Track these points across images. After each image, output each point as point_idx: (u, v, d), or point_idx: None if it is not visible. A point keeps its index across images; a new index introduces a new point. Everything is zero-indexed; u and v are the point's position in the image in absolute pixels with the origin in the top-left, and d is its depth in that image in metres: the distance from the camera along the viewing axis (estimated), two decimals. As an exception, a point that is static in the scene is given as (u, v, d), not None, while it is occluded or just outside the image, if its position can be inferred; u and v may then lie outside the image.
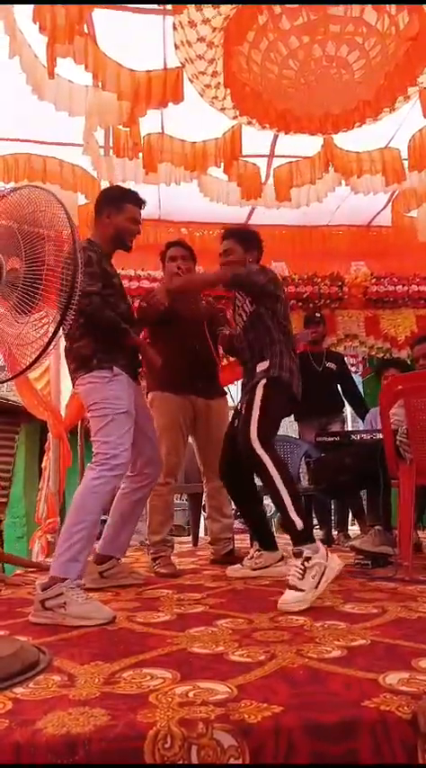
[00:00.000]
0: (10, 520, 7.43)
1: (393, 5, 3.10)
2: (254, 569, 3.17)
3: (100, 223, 2.94)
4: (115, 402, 2.70)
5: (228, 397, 4.38)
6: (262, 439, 2.73)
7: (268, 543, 3.29)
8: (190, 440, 3.87)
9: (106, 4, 3.28)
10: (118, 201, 2.93)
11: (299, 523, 2.52)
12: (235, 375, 5.05)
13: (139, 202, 2.97)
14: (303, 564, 2.39)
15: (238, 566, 3.24)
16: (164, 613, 2.32)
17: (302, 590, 2.32)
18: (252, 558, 3.24)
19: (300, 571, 2.37)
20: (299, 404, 3.14)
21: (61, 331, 1.78)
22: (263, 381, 2.92)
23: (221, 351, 3.77)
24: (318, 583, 2.35)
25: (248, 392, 2.97)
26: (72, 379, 2.86)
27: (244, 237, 3.26)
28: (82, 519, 2.47)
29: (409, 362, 6.14)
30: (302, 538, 2.50)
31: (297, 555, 2.44)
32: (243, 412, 2.93)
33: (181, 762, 1.13)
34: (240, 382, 3.43)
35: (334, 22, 3.08)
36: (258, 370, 3.00)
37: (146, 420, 3.06)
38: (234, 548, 3.87)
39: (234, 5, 3.14)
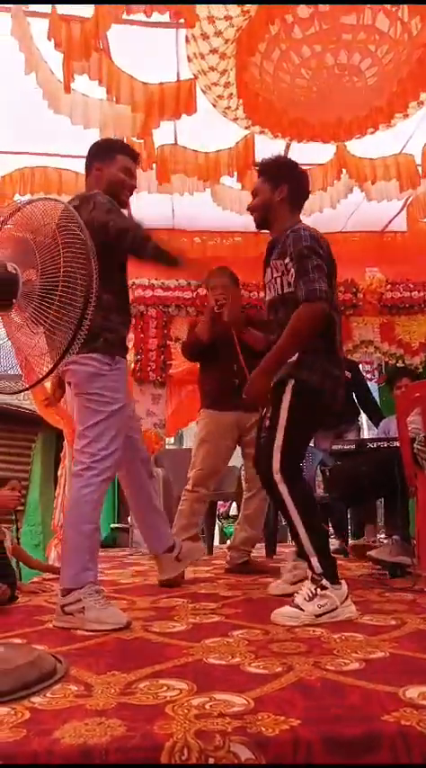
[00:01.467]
0: (27, 527, 7.44)
1: (405, 11, 3.09)
2: (293, 583, 2.86)
3: (90, 179, 2.68)
4: (115, 395, 2.49)
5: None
6: (286, 471, 2.39)
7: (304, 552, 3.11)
8: None
9: (119, 21, 3.29)
10: (107, 151, 2.68)
11: (318, 568, 2.33)
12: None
13: (133, 154, 2.73)
14: (316, 590, 2.29)
15: (279, 582, 3.02)
16: (180, 623, 2.31)
17: (302, 610, 2.25)
18: (289, 570, 3.00)
19: (310, 594, 2.28)
20: (335, 414, 2.74)
21: (77, 340, 1.78)
22: (291, 384, 2.47)
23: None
24: (322, 614, 2.24)
25: (273, 393, 2.50)
26: (60, 351, 2.51)
27: (272, 172, 2.71)
28: (80, 531, 2.41)
29: (421, 370, 6.11)
30: (325, 575, 2.33)
31: (315, 581, 2.32)
32: (268, 422, 2.53)
33: (198, 774, 1.12)
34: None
35: (346, 30, 3.09)
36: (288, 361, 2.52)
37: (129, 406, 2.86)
38: (249, 559, 3.88)
39: (245, 17, 3.15)
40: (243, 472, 4.06)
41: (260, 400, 2.58)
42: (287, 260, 2.57)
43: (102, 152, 2.69)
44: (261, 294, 3.16)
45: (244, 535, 3.86)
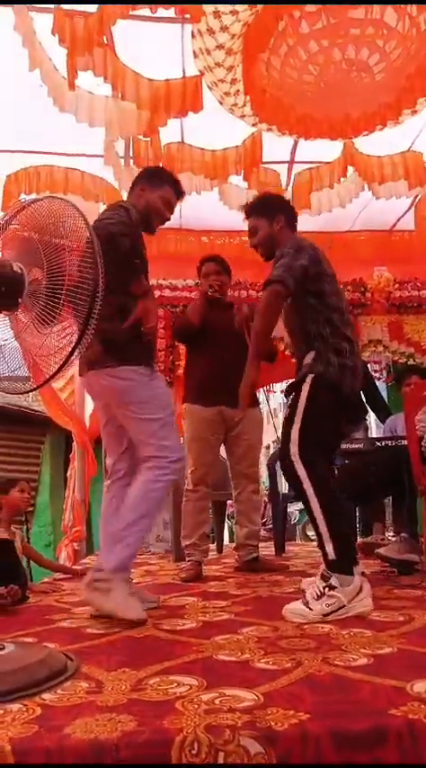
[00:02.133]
0: (37, 528, 7.49)
1: (413, 6, 3.08)
2: None
3: (131, 198, 2.78)
4: (164, 400, 2.60)
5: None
6: (304, 454, 2.42)
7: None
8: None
9: (125, 5, 3.29)
10: (155, 179, 2.77)
11: (332, 554, 2.32)
12: (269, 378, 5.06)
13: (178, 190, 2.82)
14: (324, 588, 2.28)
15: (311, 579, 2.91)
16: (190, 621, 2.32)
17: (310, 609, 2.24)
18: None
19: (317, 592, 2.27)
20: (356, 409, 2.83)
21: (84, 341, 1.79)
22: (310, 378, 2.57)
23: None
24: (329, 613, 2.22)
25: (293, 388, 2.63)
26: (89, 365, 2.53)
27: (264, 207, 2.88)
28: (138, 521, 2.48)
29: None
30: (334, 566, 2.32)
31: (324, 578, 2.31)
32: (287, 413, 2.62)
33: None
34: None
35: (354, 25, 3.08)
36: (305, 362, 2.66)
37: None
38: (258, 555, 3.86)
39: (252, 12, 3.15)
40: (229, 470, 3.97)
41: (248, 390, 2.71)
42: None
43: (152, 177, 2.80)
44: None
45: (246, 531, 3.84)
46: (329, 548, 2.34)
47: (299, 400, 2.54)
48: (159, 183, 2.76)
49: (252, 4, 3.13)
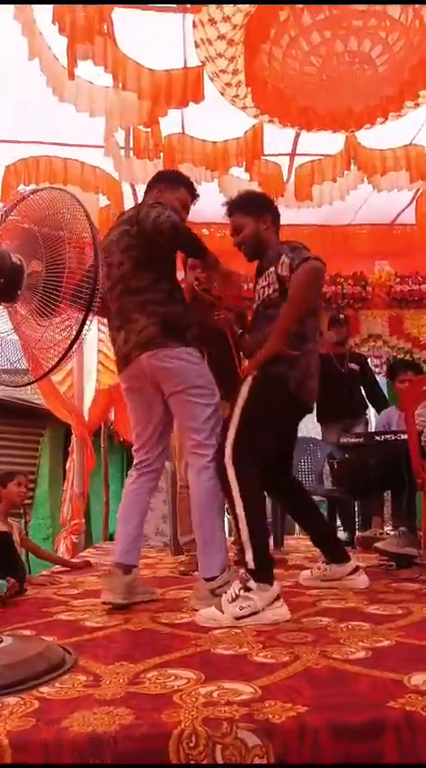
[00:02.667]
0: (36, 521, 7.49)
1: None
2: (324, 581, 2.83)
3: (148, 198, 2.82)
4: (214, 388, 2.63)
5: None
6: (238, 458, 2.35)
7: (334, 556, 2.86)
8: None
9: (126, 4, 3.28)
10: (173, 181, 2.86)
11: (251, 564, 2.23)
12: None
13: (193, 192, 2.89)
14: (240, 591, 2.19)
15: (308, 572, 2.98)
16: (188, 614, 2.32)
17: (222, 612, 2.15)
18: (318, 567, 2.92)
19: (233, 595, 2.18)
20: (308, 406, 2.72)
21: (83, 333, 1.78)
22: (250, 377, 2.51)
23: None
24: (241, 617, 2.13)
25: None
26: (144, 347, 2.55)
27: (249, 205, 2.83)
28: (216, 518, 2.56)
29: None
30: (252, 574, 2.23)
31: (242, 580, 2.22)
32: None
33: (205, 761, 1.12)
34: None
35: (357, 16, 3.05)
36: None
37: None
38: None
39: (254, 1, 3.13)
40: None
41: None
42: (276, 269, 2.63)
43: (169, 180, 2.88)
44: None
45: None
46: (248, 556, 2.26)
47: (237, 401, 2.48)
48: (176, 186, 2.82)
49: (253, 4, 3.12)
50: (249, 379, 2.50)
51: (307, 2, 3.03)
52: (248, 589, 2.18)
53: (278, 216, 2.87)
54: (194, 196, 2.89)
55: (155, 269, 2.65)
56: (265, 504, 2.51)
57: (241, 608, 2.14)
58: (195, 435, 2.57)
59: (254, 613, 2.14)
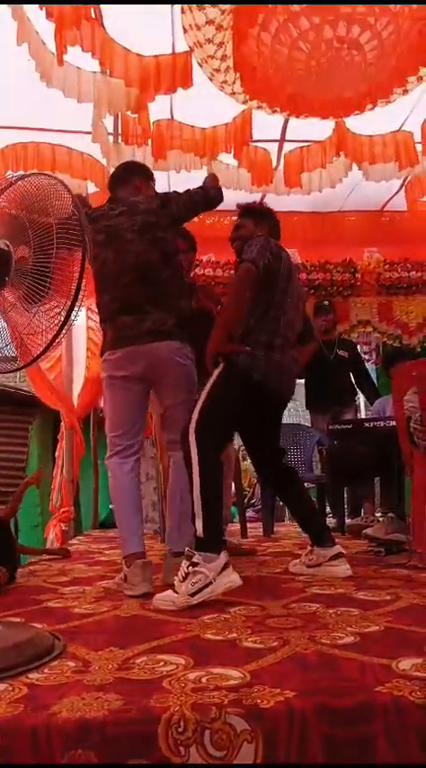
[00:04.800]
0: (25, 508, 7.46)
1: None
2: (309, 566, 2.89)
3: (128, 187, 2.98)
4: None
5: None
6: (200, 433, 2.49)
7: (317, 538, 2.92)
8: None
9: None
10: (148, 177, 3.06)
11: (199, 530, 2.33)
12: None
13: (154, 183, 3.11)
14: (188, 568, 2.24)
15: (297, 561, 3.01)
16: (178, 600, 2.32)
17: (176, 593, 2.21)
18: (306, 554, 2.96)
19: (183, 574, 2.24)
20: (281, 396, 2.91)
21: (71, 319, 1.77)
22: (221, 365, 2.69)
23: None
24: (196, 592, 2.19)
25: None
26: (159, 336, 2.69)
27: (254, 213, 3.22)
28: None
29: (419, 350, 6.12)
30: (200, 544, 2.31)
31: (187, 557, 2.28)
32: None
33: (194, 746, 1.13)
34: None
35: (345, 2, 3.03)
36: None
37: None
38: (225, 539, 3.76)
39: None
40: None
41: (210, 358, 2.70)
42: None
43: (144, 174, 3.08)
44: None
45: None
46: (198, 524, 2.35)
47: (207, 384, 2.64)
48: (149, 181, 3.05)
49: (251, 4, 3.10)
50: (219, 367, 2.67)
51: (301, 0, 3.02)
52: (195, 564, 2.25)
53: (276, 231, 3.16)
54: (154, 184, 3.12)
55: (174, 264, 2.82)
56: (221, 479, 2.56)
57: (192, 584, 2.20)
58: (179, 429, 2.65)
59: (207, 585, 2.21)
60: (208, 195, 2.95)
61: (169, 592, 2.24)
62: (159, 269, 2.73)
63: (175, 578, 2.27)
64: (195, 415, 2.54)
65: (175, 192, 2.92)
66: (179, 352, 2.72)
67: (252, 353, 2.70)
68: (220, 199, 3.00)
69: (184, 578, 2.23)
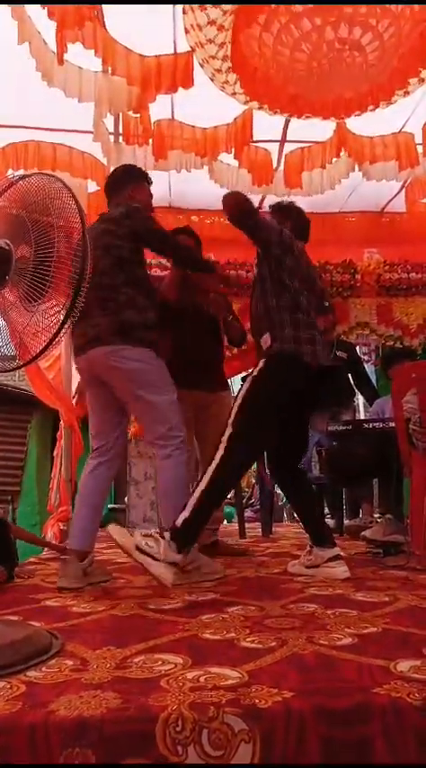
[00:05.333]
0: (23, 508, 7.46)
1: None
2: (308, 567, 2.89)
3: (122, 198, 2.99)
4: (170, 381, 2.77)
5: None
6: (237, 437, 2.54)
7: (317, 538, 2.91)
8: None
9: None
10: (139, 179, 3.05)
11: (179, 522, 2.42)
12: (243, 365, 5.06)
13: (150, 182, 3.14)
14: (158, 534, 2.39)
15: (296, 562, 3.02)
16: (176, 600, 2.33)
17: (132, 536, 2.36)
18: (305, 555, 2.97)
19: (152, 533, 2.40)
20: (326, 370, 2.89)
21: (70, 319, 1.77)
22: (261, 363, 2.75)
23: (225, 341, 3.77)
24: (141, 552, 2.31)
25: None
26: (96, 342, 2.71)
27: (282, 209, 3.23)
28: (179, 506, 2.57)
29: (420, 352, 6.12)
30: (173, 533, 2.40)
31: (161, 530, 2.47)
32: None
33: (192, 745, 1.13)
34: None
35: (347, 3, 3.04)
36: (263, 347, 2.84)
37: None
38: (218, 540, 3.78)
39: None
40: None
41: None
42: None
43: (135, 178, 3.07)
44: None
45: None
46: (182, 516, 2.43)
47: (243, 388, 2.70)
48: (144, 182, 3.08)
49: (250, 4, 3.10)
50: (259, 366, 2.73)
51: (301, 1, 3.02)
52: (162, 537, 2.37)
53: (300, 226, 3.15)
54: (150, 183, 3.14)
55: (130, 270, 2.80)
56: (227, 492, 2.66)
57: (147, 544, 2.33)
58: (159, 427, 2.71)
59: (151, 557, 2.31)
60: (178, 250, 3.02)
61: (126, 530, 2.40)
62: (111, 275, 2.75)
63: (146, 531, 2.44)
64: (230, 422, 2.59)
65: (150, 216, 2.97)
66: (112, 356, 2.70)
67: (296, 340, 2.74)
68: (186, 264, 3.08)
69: (147, 535, 2.38)
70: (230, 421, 2.60)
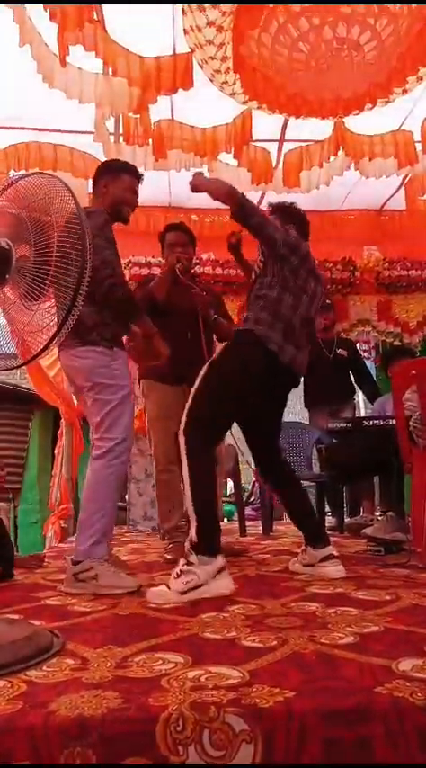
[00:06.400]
0: (24, 506, 7.48)
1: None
2: (304, 566, 2.87)
3: (97, 194, 2.91)
4: (119, 383, 2.68)
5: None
6: (190, 431, 2.48)
7: (311, 538, 2.87)
8: None
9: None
10: (116, 171, 2.91)
11: (194, 536, 2.36)
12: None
13: (137, 174, 2.96)
14: (184, 566, 2.31)
15: (295, 560, 2.99)
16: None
17: (169, 588, 2.27)
18: (301, 553, 2.96)
19: (178, 572, 2.30)
20: (293, 373, 2.82)
21: (71, 317, 1.77)
22: (225, 343, 2.71)
23: (215, 338, 3.76)
24: (186, 591, 2.24)
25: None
26: (59, 348, 2.63)
27: (285, 211, 3.13)
28: (100, 507, 2.59)
29: (419, 349, 6.12)
30: (195, 548, 2.35)
31: (186, 555, 2.35)
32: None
33: (193, 745, 1.13)
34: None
35: (345, 3, 3.04)
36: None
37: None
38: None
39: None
40: None
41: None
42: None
43: (110, 171, 2.93)
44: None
45: None
46: (192, 529, 2.38)
47: (204, 369, 2.63)
48: (119, 174, 2.90)
49: (250, 4, 3.10)
50: (222, 345, 2.69)
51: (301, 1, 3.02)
52: (190, 563, 2.30)
53: (305, 231, 3.09)
54: (138, 177, 2.96)
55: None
56: (215, 479, 2.58)
57: (185, 582, 2.25)
58: (96, 429, 2.67)
59: (198, 586, 2.25)
60: (114, 287, 2.63)
61: (163, 588, 2.29)
62: None
63: (173, 572, 2.32)
64: (186, 408, 2.54)
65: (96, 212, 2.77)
66: (70, 354, 2.69)
67: (268, 324, 2.68)
68: (111, 300, 2.69)
69: (178, 576, 2.28)
70: (185, 411, 2.55)
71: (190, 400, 2.56)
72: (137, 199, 2.96)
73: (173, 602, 2.20)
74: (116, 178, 2.88)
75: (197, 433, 2.49)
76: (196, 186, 2.78)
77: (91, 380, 2.66)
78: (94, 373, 2.65)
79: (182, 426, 2.50)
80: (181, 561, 2.32)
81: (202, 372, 2.62)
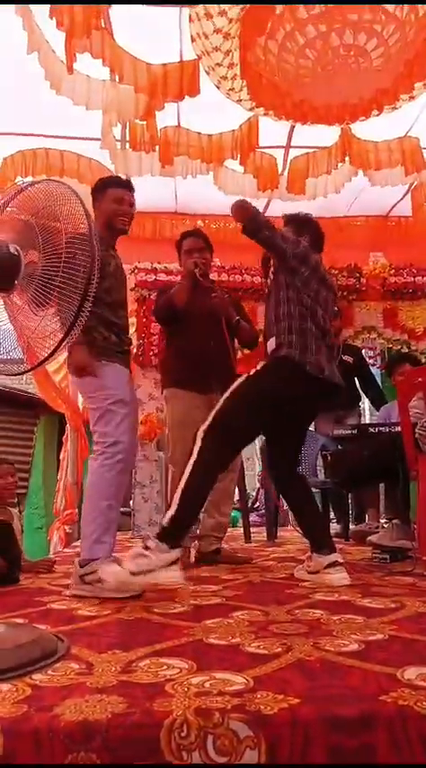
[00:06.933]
0: (29, 511, 7.48)
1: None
2: (310, 573, 2.85)
3: (95, 218, 2.89)
4: (108, 392, 2.75)
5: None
6: (209, 432, 2.60)
7: (317, 545, 2.88)
8: None
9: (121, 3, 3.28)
10: (101, 189, 2.96)
11: (166, 521, 2.47)
12: (246, 369, 5.07)
13: (120, 183, 2.97)
14: (141, 549, 2.39)
15: (301, 566, 2.97)
16: (181, 604, 2.33)
17: (121, 566, 2.36)
18: (306, 560, 2.95)
19: (135, 553, 2.39)
20: (329, 387, 2.89)
21: (78, 324, 1.78)
22: (261, 363, 2.82)
23: (236, 343, 3.76)
24: (137, 573, 2.33)
25: None
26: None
27: (297, 222, 3.17)
28: (94, 506, 2.67)
29: (423, 359, 6.11)
30: (161, 533, 2.44)
31: (144, 539, 2.46)
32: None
33: (197, 751, 1.13)
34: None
35: (352, 10, 3.05)
36: (269, 351, 2.88)
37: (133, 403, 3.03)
38: (220, 547, 3.70)
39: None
40: None
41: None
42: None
43: (96, 191, 2.97)
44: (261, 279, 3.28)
45: (213, 522, 3.66)
46: (168, 514, 2.48)
47: (237, 381, 2.73)
48: (103, 190, 2.93)
49: (252, 3, 3.11)
50: (260, 365, 2.80)
51: (303, 1, 3.03)
52: (147, 548, 2.38)
53: (317, 240, 3.13)
54: (124, 185, 2.97)
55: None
56: (214, 482, 2.65)
57: (138, 564, 2.34)
58: (93, 433, 2.80)
59: (150, 571, 2.33)
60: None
61: (115, 565, 2.38)
62: None
63: (130, 552, 2.43)
64: (212, 415, 2.64)
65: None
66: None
67: (303, 347, 2.77)
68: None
69: (134, 557, 2.37)
70: (213, 413, 2.66)
71: (221, 404, 2.68)
72: (130, 207, 2.95)
73: (121, 580, 2.32)
74: (102, 195, 2.92)
75: (222, 436, 2.60)
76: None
77: (83, 391, 2.90)
78: (84, 385, 2.80)
79: (206, 425, 2.60)
80: (140, 543, 2.43)
81: (238, 382, 2.72)
